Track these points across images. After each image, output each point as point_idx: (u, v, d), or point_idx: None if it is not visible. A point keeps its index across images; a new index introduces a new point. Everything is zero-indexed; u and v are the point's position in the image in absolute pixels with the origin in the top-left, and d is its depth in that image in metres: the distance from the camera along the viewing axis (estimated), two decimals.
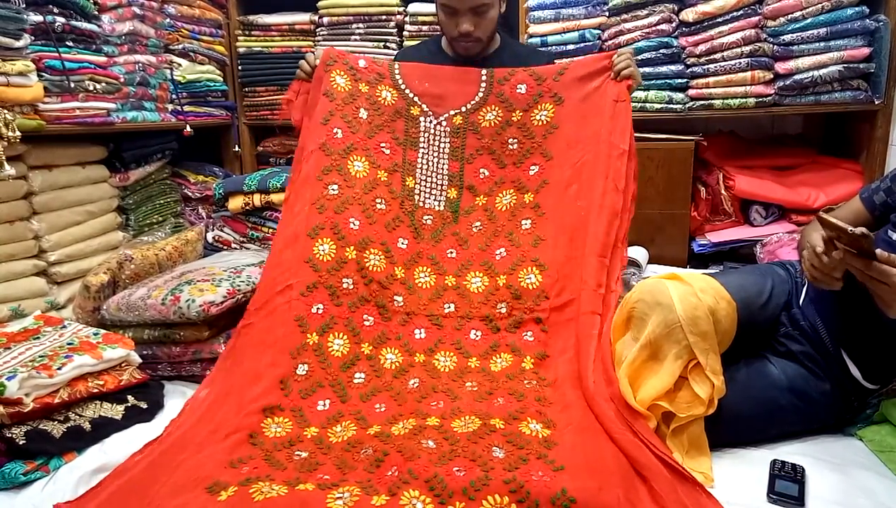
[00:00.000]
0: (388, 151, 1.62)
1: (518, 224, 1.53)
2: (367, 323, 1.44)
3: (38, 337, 1.45)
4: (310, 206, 1.50)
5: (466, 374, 1.35)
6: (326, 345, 1.37)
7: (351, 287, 1.45)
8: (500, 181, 1.61)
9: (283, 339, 1.35)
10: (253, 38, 2.63)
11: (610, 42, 2.22)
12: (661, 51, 2.16)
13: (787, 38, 2.02)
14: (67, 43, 1.78)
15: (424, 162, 1.62)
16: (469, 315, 1.45)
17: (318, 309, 1.41)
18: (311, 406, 1.25)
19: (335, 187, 1.53)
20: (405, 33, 2.46)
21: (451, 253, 1.53)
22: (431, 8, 2.42)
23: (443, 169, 1.62)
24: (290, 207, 1.53)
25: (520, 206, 1.55)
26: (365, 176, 1.56)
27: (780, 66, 2.06)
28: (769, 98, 2.10)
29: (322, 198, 1.52)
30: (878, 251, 0.97)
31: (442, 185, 1.60)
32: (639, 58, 2.18)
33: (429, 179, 1.61)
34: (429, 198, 1.60)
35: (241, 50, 2.64)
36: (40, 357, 1.34)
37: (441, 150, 1.63)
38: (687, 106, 2.19)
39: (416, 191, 1.61)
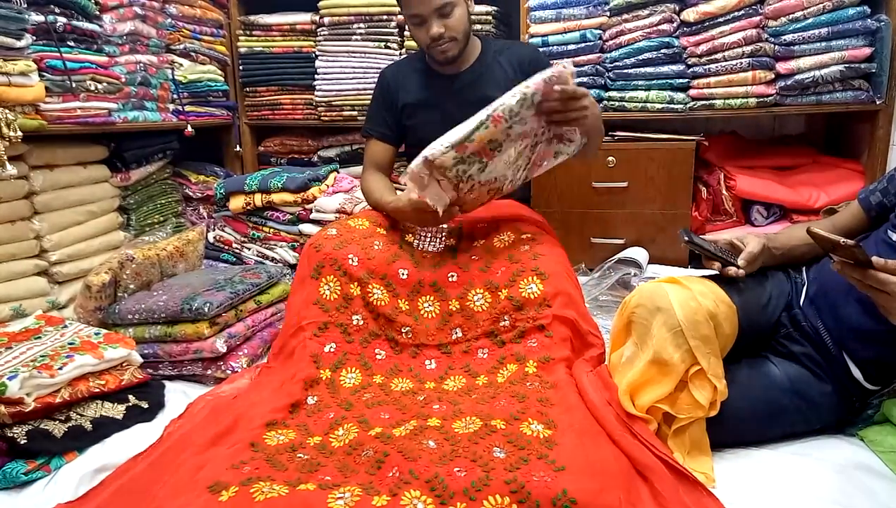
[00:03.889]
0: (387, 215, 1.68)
1: (517, 248, 1.55)
2: (379, 357, 1.46)
3: (40, 337, 1.45)
4: (308, 247, 1.55)
5: (473, 390, 1.35)
6: (338, 380, 1.40)
7: (361, 323, 1.47)
8: (498, 226, 1.65)
9: (298, 373, 1.38)
10: (254, 38, 2.63)
11: (611, 42, 2.22)
12: (662, 51, 2.16)
13: (789, 37, 2.02)
14: (69, 43, 1.78)
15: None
16: (475, 335, 1.46)
17: (330, 348, 1.44)
18: (317, 421, 1.25)
19: (333, 231, 1.58)
20: (406, 33, 2.46)
21: (453, 276, 1.54)
22: None
23: (442, 227, 1.64)
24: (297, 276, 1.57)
25: (517, 241, 1.58)
26: (364, 228, 1.61)
27: (782, 66, 2.06)
28: (770, 98, 2.10)
29: (319, 238, 1.56)
30: (874, 258, 0.97)
31: (440, 237, 1.63)
32: (640, 58, 2.19)
33: (428, 234, 1.64)
34: (427, 247, 1.63)
35: (242, 50, 2.64)
36: (41, 356, 1.34)
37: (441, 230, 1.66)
38: (688, 106, 2.19)
39: (415, 243, 1.63)
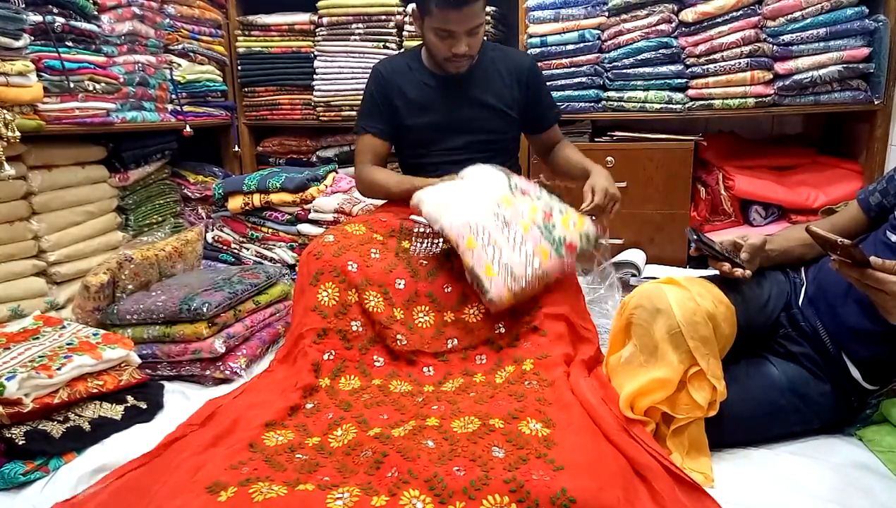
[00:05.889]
0: (384, 219, 1.66)
1: None
2: (377, 365, 1.46)
3: (38, 338, 1.45)
4: (307, 255, 1.54)
5: (471, 388, 1.36)
6: (337, 386, 1.40)
7: (360, 329, 1.47)
8: None
9: (298, 381, 1.38)
10: (252, 39, 2.63)
11: (609, 42, 2.22)
12: (660, 51, 2.16)
13: (787, 38, 2.02)
14: (67, 43, 1.78)
15: (421, 228, 1.63)
16: (473, 345, 1.46)
17: (329, 355, 1.44)
18: (316, 421, 1.25)
19: (331, 237, 1.57)
20: (405, 33, 2.46)
21: (447, 287, 1.53)
22: None
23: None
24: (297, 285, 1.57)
25: None
26: (361, 234, 1.60)
27: (780, 67, 2.06)
28: (769, 98, 2.10)
29: (318, 246, 1.55)
30: (872, 258, 0.97)
31: (437, 242, 1.60)
32: (638, 58, 2.19)
33: (425, 240, 1.62)
34: (423, 251, 1.61)
35: (240, 50, 2.64)
36: (40, 357, 1.34)
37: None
38: (686, 106, 2.19)
39: (413, 249, 1.61)
